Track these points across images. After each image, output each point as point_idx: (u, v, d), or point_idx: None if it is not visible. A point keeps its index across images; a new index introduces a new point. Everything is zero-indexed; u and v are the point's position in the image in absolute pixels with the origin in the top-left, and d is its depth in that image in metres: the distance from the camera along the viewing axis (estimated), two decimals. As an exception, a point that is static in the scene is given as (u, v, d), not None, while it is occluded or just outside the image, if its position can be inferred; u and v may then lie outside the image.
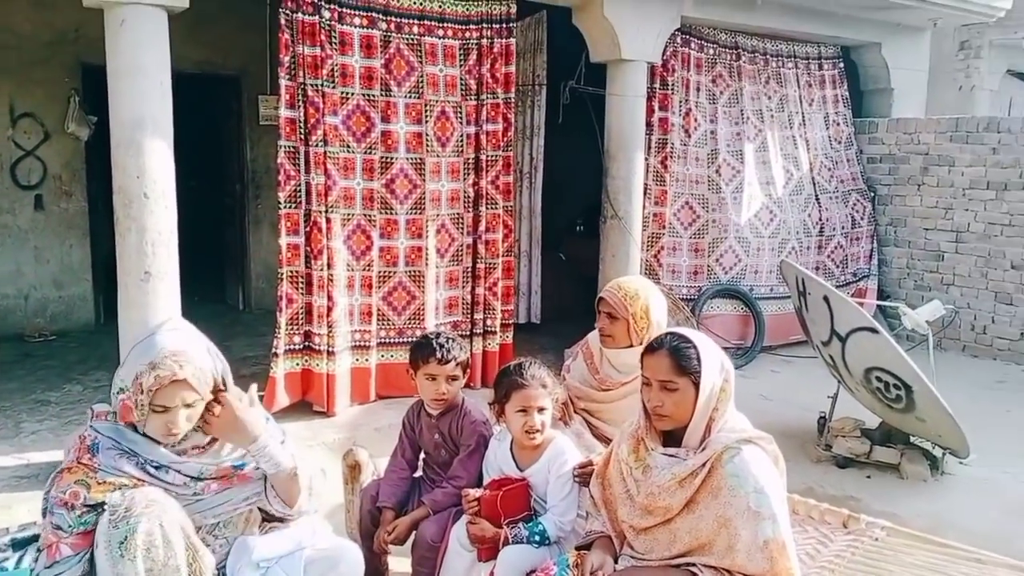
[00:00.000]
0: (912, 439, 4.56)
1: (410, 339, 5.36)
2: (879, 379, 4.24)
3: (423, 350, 2.77)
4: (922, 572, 2.51)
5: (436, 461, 2.90)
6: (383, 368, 5.35)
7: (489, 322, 5.72)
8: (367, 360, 5.26)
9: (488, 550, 2.53)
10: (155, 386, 2.05)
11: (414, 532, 2.74)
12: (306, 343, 5.07)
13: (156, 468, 2.12)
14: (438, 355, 2.73)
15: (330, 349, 5.02)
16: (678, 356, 2.20)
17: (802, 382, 5.99)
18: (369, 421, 4.98)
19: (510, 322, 5.90)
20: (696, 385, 2.18)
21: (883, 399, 4.31)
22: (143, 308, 4.01)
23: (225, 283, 8.36)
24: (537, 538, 2.51)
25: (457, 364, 2.77)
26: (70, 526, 2.00)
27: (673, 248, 6.69)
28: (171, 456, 2.15)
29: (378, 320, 5.31)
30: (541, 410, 2.57)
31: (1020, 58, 9.47)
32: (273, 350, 4.93)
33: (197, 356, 2.14)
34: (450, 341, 2.79)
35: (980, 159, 6.92)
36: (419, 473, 3.00)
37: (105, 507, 1.99)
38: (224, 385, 2.20)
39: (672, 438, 2.29)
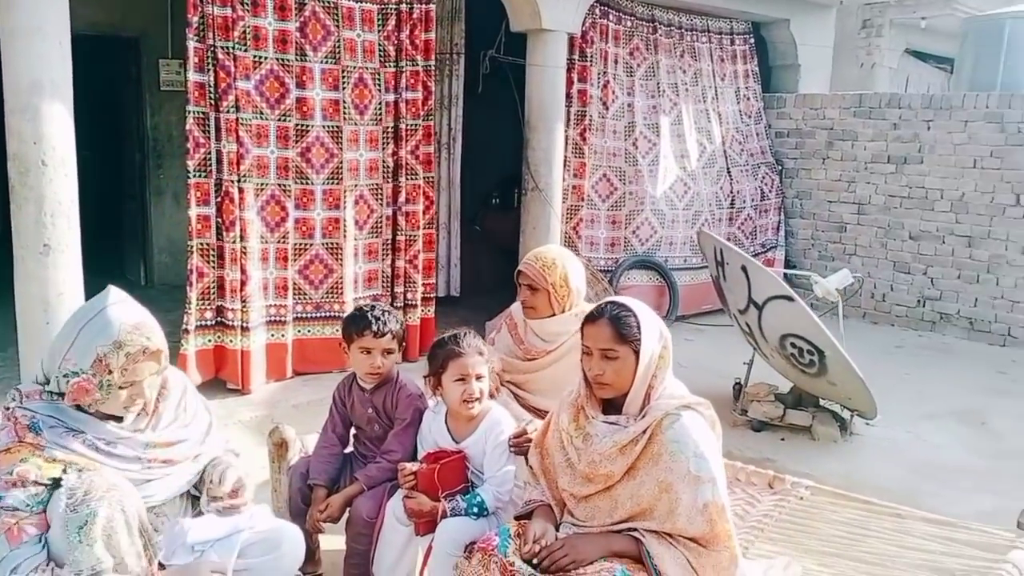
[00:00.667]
0: (822, 402, 4.76)
1: (328, 314, 5.25)
2: (793, 345, 4.38)
3: (358, 323, 2.69)
4: (846, 528, 2.61)
5: (369, 436, 2.82)
6: (300, 344, 5.21)
7: (410, 295, 5.64)
8: (283, 336, 5.11)
9: (426, 524, 2.49)
10: (128, 364, 1.99)
11: (348, 509, 2.68)
12: (218, 319, 4.89)
13: (106, 444, 2.02)
14: (374, 328, 2.66)
15: (244, 325, 4.85)
16: (618, 325, 2.20)
17: (716, 349, 6.15)
18: (287, 398, 4.85)
19: (431, 295, 5.84)
20: (636, 353, 2.19)
21: (797, 364, 4.46)
22: (42, 282, 3.77)
23: (124, 258, 7.97)
24: (476, 510, 2.48)
25: (393, 337, 2.71)
26: (28, 505, 1.88)
27: (591, 220, 6.74)
28: (118, 432, 2.06)
29: (294, 294, 5.16)
30: (479, 378, 2.54)
31: (918, 37, 9.90)
32: (183, 326, 4.73)
33: (156, 325, 2.08)
34: (386, 314, 2.72)
35: (881, 134, 7.22)
36: (350, 449, 2.92)
37: (59, 487, 1.89)
38: None
39: (612, 406, 2.29)
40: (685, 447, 2.14)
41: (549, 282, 3.03)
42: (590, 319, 2.26)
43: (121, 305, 2.06)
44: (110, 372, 1.98)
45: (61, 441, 1.96)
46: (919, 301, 7.13)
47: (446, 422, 2.67)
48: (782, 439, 4.59)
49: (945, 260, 6.97)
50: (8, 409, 2.01)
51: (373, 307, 2.78)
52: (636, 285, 6.81)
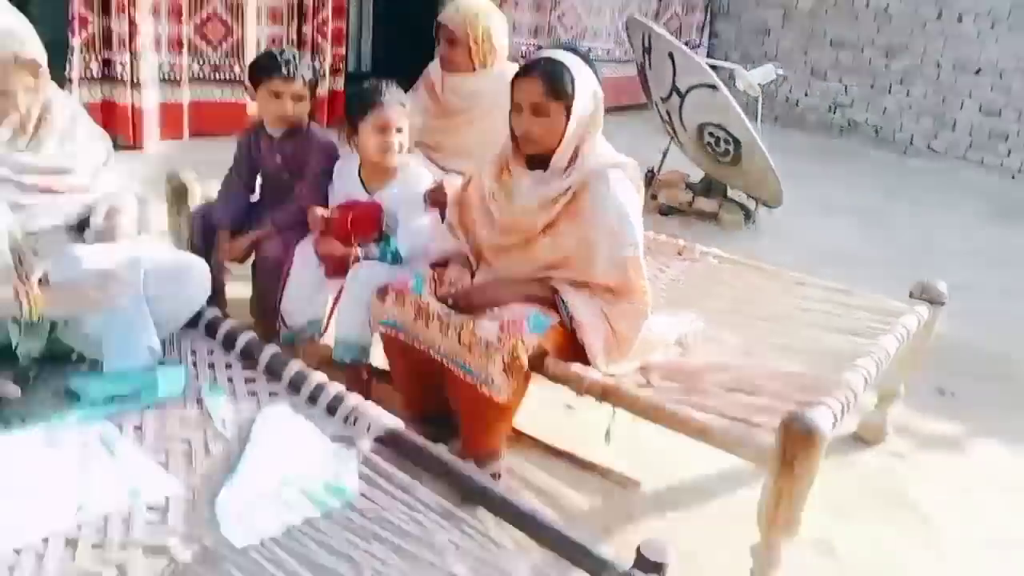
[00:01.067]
0: (729, 193, 4.84)
1: (227, 76, 4.92)
2: (711, 134, 4.37)
3: (267, 66, 2.48)
4: (750, 291, 2.69)
5: (276, 185, 2.67)
6: (197, 106, 4.91)
7: (317, 65, 5.28)
8: (179, 96, 4.78)
9: (336, 266, 2.41)
10: None
11: (254, 253, 2.57)
12: (106, 71, 4.50)
13: None
14: (284, 71, 2.47)
15: (135, 79, 4.49)
16: (551, 80, 2.07)
17: (632, 140, 5.97)
18: (184, 158, 4.54)
19: (340, 67, 5.52)
20: (568, 110, 2.08)
21: (712, 153, 4.48)
22: None
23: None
24: (389, 257, 2.41)
25: (305, 83, 2.51)
26: None
27: (516, 3, 6.39)
28: None
29: (190, 53, 4.77)
30: (399, 130, 2.40)
31: None
32: (66, 75, 4.31)
33: (34, 35, 1.86)
34: (296, 58, 2.52)
35: (817, -63, 6.98)
36: (256, 198, 2.77)
37: None
38: None
39: (537, 163, 2.19)
40: (609, 204, 2.09)
41: (471, 35, 2.86)
42: (522, 73, 2.12)
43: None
44: None
45: None
46: (831, 108, 7.22)
47: (359, 174, 2.54)
48: (689, 223, 4.68)
49: (862, 69, 7.00)
50: None
51: (283, 51, 2.57)
52: (555, 74, 6.60)
